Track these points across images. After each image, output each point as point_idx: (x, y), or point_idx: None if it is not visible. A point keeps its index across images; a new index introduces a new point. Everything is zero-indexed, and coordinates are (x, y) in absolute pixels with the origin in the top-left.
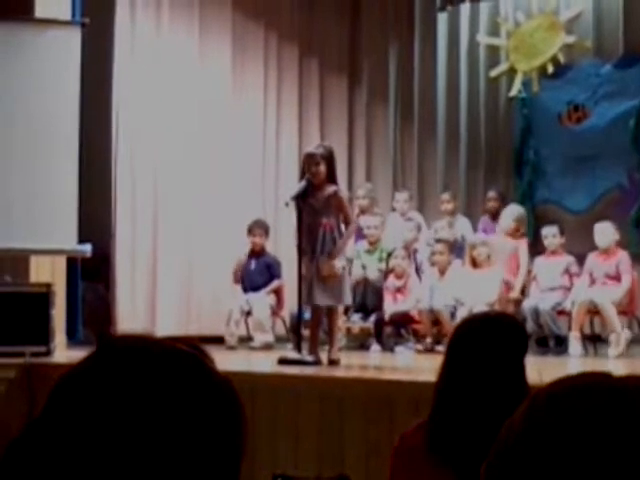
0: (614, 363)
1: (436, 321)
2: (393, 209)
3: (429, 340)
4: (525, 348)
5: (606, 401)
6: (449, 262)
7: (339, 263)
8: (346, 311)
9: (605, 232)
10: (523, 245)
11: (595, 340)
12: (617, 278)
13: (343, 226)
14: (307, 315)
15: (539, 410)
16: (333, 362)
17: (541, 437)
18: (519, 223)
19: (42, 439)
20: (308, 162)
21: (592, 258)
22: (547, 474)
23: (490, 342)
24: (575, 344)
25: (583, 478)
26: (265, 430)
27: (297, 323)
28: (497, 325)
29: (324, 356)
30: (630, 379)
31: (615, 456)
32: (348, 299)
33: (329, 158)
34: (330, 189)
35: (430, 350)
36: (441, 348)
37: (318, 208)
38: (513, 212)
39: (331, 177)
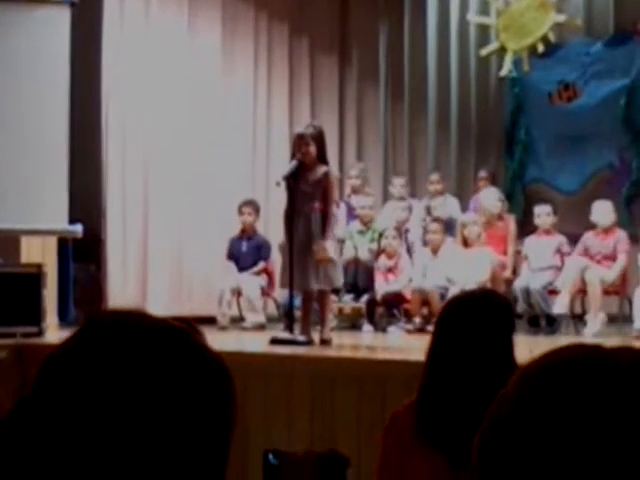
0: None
1: (426, 301)
2: (388, 196)
3: (418, 320)
4: (512, 326)
5: (597, 372)
6: (443, 241)
7: (332, 246)
8: (337, 292)
9: (604, 210)
10: (512, 223)
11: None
12: (613, 258)
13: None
14: (298, 298)
15: (531, 381)
16: (325, 342)
17: (533, 408)
18: (503, 201)
19: (31, 417)
20: (298, 142)
21: (589, 236)
22: (539, 445)
23: (477, 320)
24: (563, 302)
25: (575, 448)
26: (257, 410)
27: (289, 304)
28: (484, 303)
29: (316, 337)
30: (621, 350)
31: (606, 426)
32: (340, 281)
33: (319, 138)
34: (321, 170)
35: (420, 330)
36: (431, 328)
37: (310, 192)
38: (494, 193)
39: (322, 157)
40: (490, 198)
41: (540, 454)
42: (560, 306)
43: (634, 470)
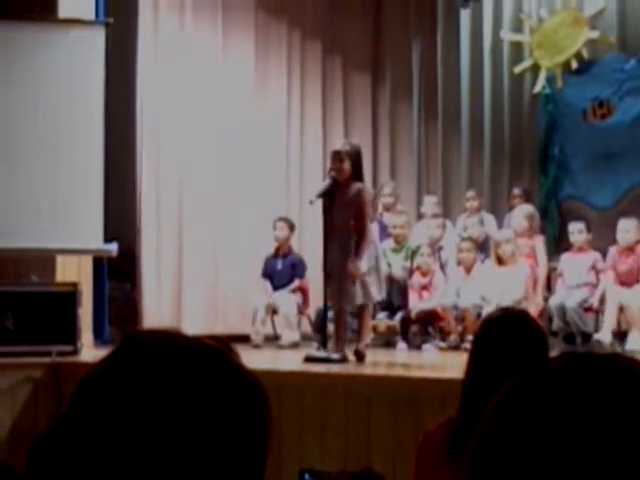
0: None
1: (462, 318)
2: (420, 215)
3: (453, 337)
4: (547, 346)
5: (581, 380)
6: (475, 260)
7: (364, 264)
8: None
9: (629, 229)
10: (539, 242)
11: (622, 336)
12: (638, 275)
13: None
14: (331, 312)
15: (508, 393)
16: (359, 354)
17: (514, 419)
18: (531, 220)
19: (68, 437)
20: (333, 159)
21: (614, 255)
22: (522, 455)
23: (513, 340)
24: (606, 337)
25: (559, 458)
26: (292, 428)
27: (322, 321)
28: (520, 323)
29: (350, 352)
30: (611, 358)
31: (589, 437)
32: (377, 297)
33: (355, 156)
34: (355, 187)
35: (455, 348)
36: (466, 346)
37: (344, 209)
38: (522, 211)
39: (357, 175)
40: (518, 216)
41: (524, 464)
42: (604, 339)
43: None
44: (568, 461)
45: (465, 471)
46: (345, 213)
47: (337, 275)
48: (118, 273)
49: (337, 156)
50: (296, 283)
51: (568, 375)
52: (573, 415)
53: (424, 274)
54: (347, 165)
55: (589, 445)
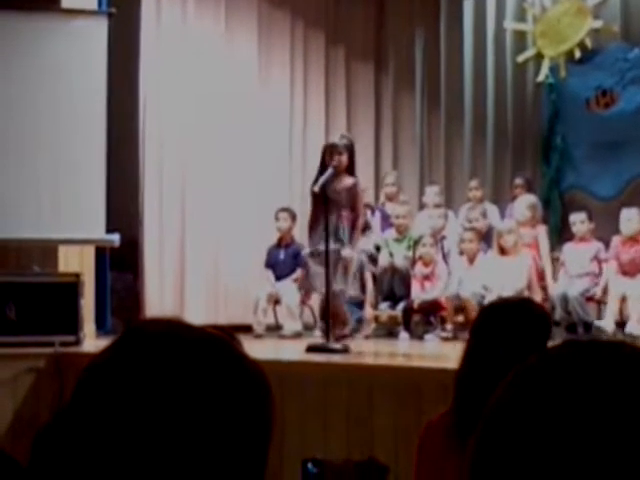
0: None
1: (462, 309)
2: (422, 205)
3: (449, 327)
4: (548, 334)
5: (585, 367)
6: (478, 250)
7: (355, 253)
8: (376, 301)
9: (631, 219)
10: (542, 232)
11: (624, 325)
12: None
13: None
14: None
15: (519, 379)
16: (342, 337)
17: (520, 406)
18: (533, 210)
19: (70, 427)
20: (331, 151)
21: (618, 244)
22: (527, 442)
23: (512, 327)
24: (609, 326)
25: (564, 445)
26: (294, 418)
27: (325, 311)
28: (519, 311)
29: (353, 344)
30: (615, 345)
31: (595, 423)
32: (355, 289)
33: (351, 150)
34: (349, 181)
35: (453, 337)
36: (466, 336)
37: (337, 201)
38: (525, 201)
39: (350, 169)
40: (520, 206)
41: (529, 452)
42: (606, 326)
43: (626, 469)
44: (574, 451)
45: (468, 461)
46: (337, 204)
47: (333, 262)
48: (120, 263)
49: (336, 149)
50: (298, 273)
51: (574, 362)
52: (579, 403)
53: (426, 264)
54: (345, 158)
55: (596, 433)
